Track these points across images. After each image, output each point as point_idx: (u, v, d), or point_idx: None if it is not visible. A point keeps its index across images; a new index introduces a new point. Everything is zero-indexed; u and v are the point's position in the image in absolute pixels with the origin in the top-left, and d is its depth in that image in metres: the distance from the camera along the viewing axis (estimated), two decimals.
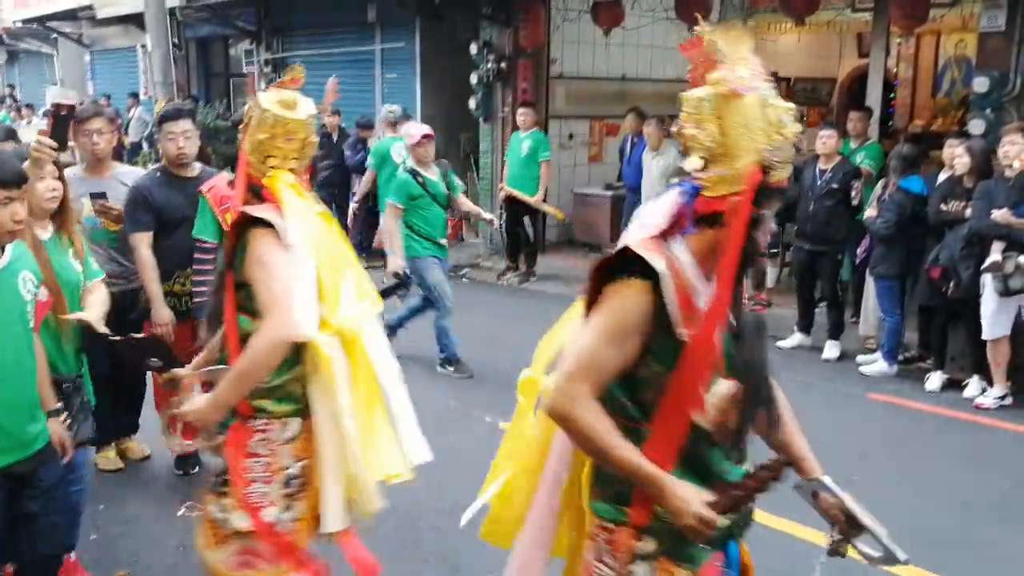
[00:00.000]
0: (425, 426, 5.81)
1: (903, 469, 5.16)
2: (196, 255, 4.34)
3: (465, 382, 6.51)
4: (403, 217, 6.54)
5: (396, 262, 6.48)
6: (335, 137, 10.98)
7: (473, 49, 10.68)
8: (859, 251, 7.00)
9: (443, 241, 6.78)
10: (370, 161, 9.43)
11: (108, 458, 4.88)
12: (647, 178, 9.11)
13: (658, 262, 1.95)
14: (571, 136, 11.71)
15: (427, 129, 6.79)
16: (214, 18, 14.53)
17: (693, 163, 2.00)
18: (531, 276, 9.94)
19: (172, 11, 13.69)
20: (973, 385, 6.26)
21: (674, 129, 2.11)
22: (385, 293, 6.51)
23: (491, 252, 11.10)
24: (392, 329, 6.74)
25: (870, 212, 6.70)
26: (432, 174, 6.65)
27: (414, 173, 6.59)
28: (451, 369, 6.72)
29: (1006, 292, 5.78)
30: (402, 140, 9.86)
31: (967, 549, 4.21)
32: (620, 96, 11.86)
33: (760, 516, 3.09)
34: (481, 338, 7.74)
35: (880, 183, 6.89)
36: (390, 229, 6.66)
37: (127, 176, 4.70)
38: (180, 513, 4.38)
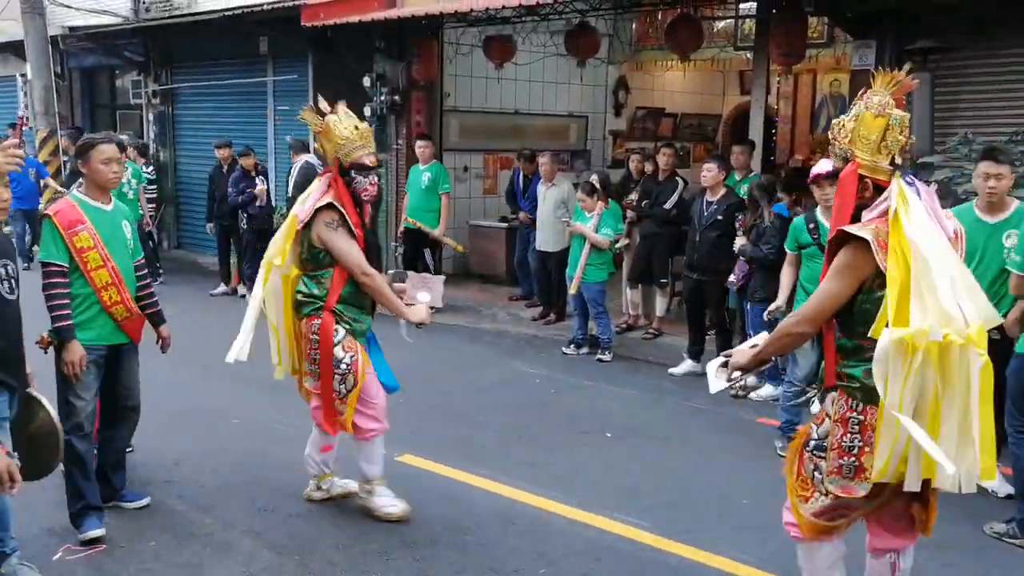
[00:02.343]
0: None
1: None
2: (47, 280, 4.22)
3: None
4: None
5: None
6: (226, 169, 10.80)
7: (367, 82, 10.68)
8: (732, 279, 7.19)
9: None
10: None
11: None
12: (542, 208, 9.23)
13: None
14: (466, 169, 11.80)
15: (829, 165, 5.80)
16: (99, 48, 14.13)
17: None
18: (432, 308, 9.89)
19: (54, 40, 13.25)
20: None
21: None
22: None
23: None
24: (791, 426, 5.62)
25: (740, 241, 6.91)
26: (826, 220, 5.59)
27: (808, 217, 5.75)
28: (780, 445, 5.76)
29: None
30: (133, 164, 10.05)
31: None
32: (513, 130, 12.03)
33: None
34: None
35: (744, 215, 7.13)
36: (786, 281, 5.89)
37: None
38: (56, 557, 4.18)
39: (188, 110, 13.90)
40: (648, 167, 9.35)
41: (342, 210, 4.37)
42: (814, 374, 7.02)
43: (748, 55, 10.52)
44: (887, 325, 2.87)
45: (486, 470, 5.36)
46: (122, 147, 4.73)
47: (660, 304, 8.82)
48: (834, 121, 3.17)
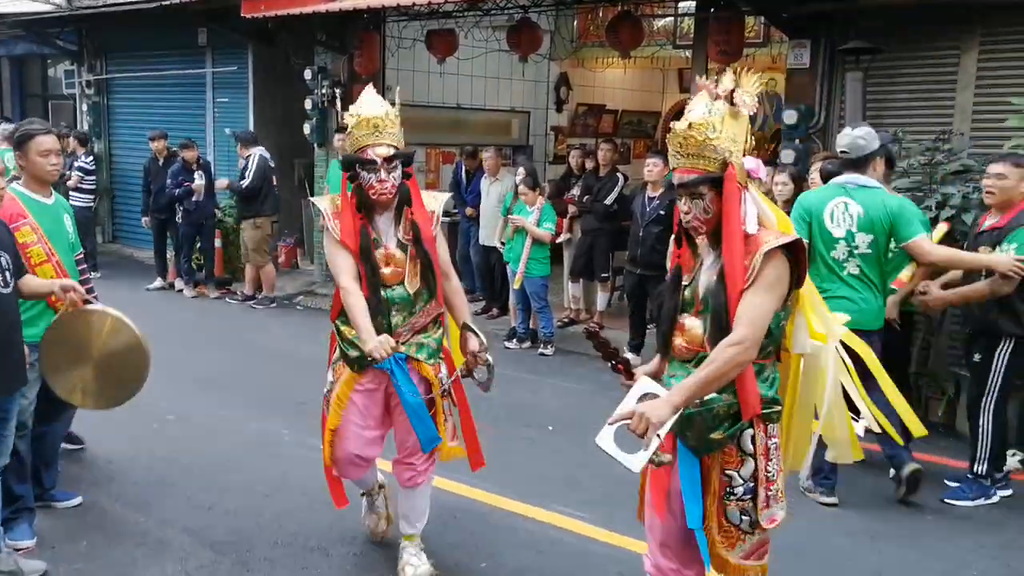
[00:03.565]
0: (258, 456, 5.66)
1: None
2: None
3: (297, 411, 6.34)
4: None
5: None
6: (161, 161, 10.59)
7: (308, 75, 10.57)
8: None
9: None
10: None
11: None
12: (485, 203, 9.25)
13: None
14: None
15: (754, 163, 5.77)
16: (30, 36, 13.74)
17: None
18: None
19: None
20: None
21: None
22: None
23: (326, 279, 10.95)
24: None
25: None
26: None
27: None
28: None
29: None
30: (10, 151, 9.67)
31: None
32: (455, 124, 12.01)
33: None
34: (314, 366, 7.60)
35: None
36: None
37: None
38: None
39: (124, 101, 13.59)
40: (589, 163, 9.42)
41: (323, 210, 3.85)
42: None
43: (687, 53, 10.64)
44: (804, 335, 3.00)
45: None
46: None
47: (601, 299, 8.90)
48: (696, 121, 2.78)
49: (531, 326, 8.42)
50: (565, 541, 4.47)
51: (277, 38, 10.89)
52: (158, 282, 10.88)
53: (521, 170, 8.29)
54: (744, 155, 2.82)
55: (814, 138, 7.53)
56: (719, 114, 2.77)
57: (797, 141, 7.48)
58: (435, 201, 4.00)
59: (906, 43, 7.07)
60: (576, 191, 9.08)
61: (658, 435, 2.66)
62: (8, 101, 15.51)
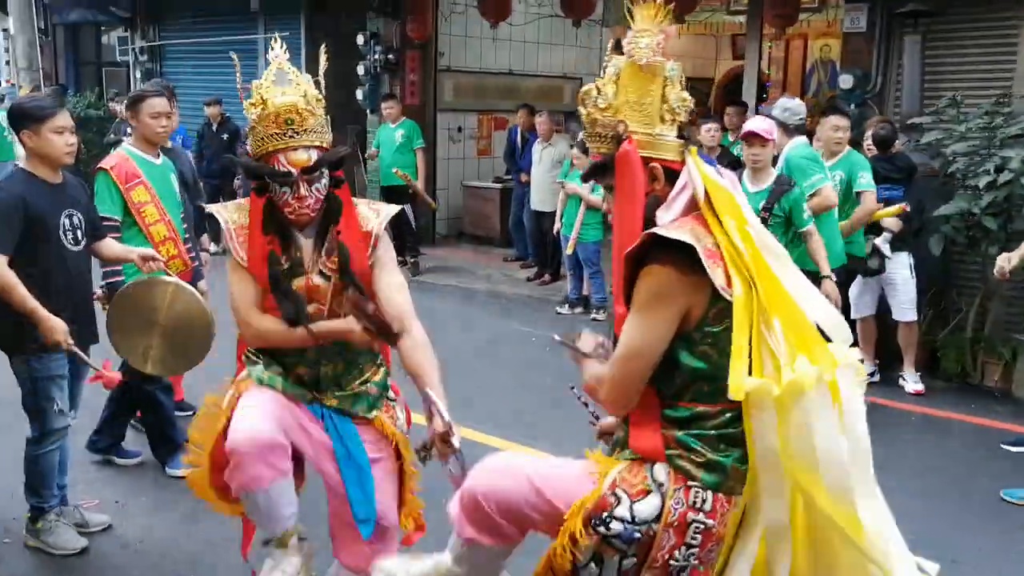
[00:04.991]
0: None
1: None
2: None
3: None
4: None
5: None
6: (215, 127, 10.72)
7: (360, 40, 10.60)
8: None
9: None
10: None
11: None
12: (537, 168, 9.25)
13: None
14: (460, 129, 11.76)
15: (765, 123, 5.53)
16: (84, 3, 13.90)
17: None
18: (416, 267, 9.93)
19: None
20: None
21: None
22: None
23: None
24: None
25: None
26: (751, 183, 5.37)
27: None
28: None
29: (866, 273, 6.13)
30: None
31: None
32: (508, 90, 11.98)
33: None
34: None
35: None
36: None
37: None
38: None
39: (177, 68, 13.70)
40: None
41: (226, 222, 2.90)
42: None
43: (741, 19, 10.48)
44: (749, 372, 1.97)
45: (478, 424, 5.39)
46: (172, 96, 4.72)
47: None
48: (583, 89, 2.13)
49: (583, 291, 8.43)
50: None
51: (330, 3, 10.91)
52: (212, 247, 11.03)
53: (581, 135, 8.24)
54: (658, 119, 2.05)
55: (870, 104, 7.40)
56: (613, 74, 2.07)
57: (853, 107, 7.35)
58: (376, 217, 2.94)
59: (965, 5, 6.90)
60: None
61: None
62: (62, 68, 15.71)
